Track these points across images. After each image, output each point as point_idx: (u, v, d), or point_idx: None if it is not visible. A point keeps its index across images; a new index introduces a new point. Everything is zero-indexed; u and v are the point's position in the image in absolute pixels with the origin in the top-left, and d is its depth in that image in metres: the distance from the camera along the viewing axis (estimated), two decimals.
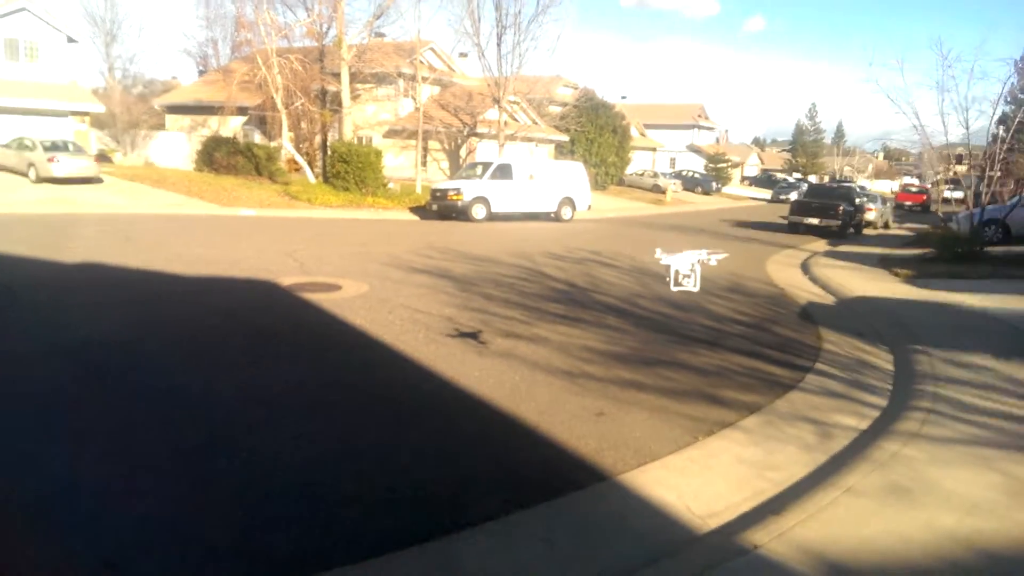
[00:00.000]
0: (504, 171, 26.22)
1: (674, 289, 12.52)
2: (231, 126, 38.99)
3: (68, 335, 7.63)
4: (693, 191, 56.78)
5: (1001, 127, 20.42)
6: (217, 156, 32.91)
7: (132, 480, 4.45)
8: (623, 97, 66.14)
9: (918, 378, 7.20)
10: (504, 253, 16.11)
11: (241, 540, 3.87)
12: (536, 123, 42.87)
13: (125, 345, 7.37)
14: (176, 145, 40.55)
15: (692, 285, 12.61)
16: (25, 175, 25.63)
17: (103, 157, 34.50)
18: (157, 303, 9.53)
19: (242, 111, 37.17)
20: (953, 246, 17.50)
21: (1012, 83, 23.26)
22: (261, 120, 37.99)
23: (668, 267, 12.96)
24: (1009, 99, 25.25)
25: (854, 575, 3.60)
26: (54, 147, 25.91)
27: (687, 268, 12.83)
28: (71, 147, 26.94)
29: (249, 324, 8.67)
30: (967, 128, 18.37)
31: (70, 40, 33.05)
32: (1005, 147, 19.24)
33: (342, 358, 7.45)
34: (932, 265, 16.55)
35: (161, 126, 44.78)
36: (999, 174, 19.69)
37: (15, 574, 3.45)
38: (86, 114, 33.46)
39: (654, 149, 67.08)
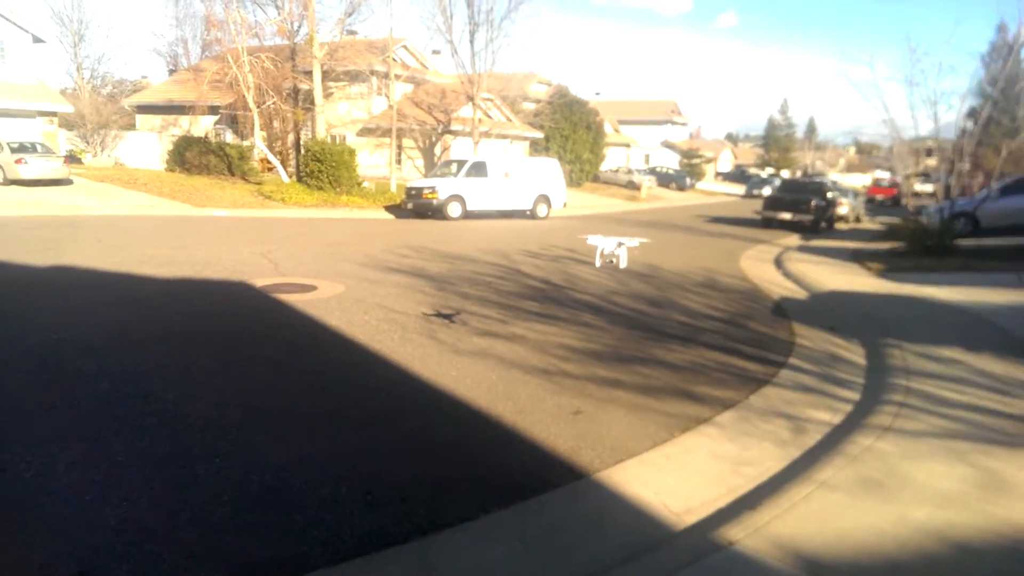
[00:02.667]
0: (479, 169, 26.22)
1: (598, 265, 14.57)
2: (203, 126, 38.63)
3: (37, 338, 7.51)
4: (667, 187, 57.16)
5: (970, 121, 20.69)
6: (189, 156, 32.60)
7: (104, 487, 4.38)
8: (597, 94, 66.43)
9: (890, 372, 7.29)
10: (480, 251, 16.10)
11: (217, 545, 3.83)
12: (510, 120, 42.89)
13: (95, 349, 7.27)
14: (147, 145, 40.07)
15: (620, 263, 14.68)
16: None
17: (73, 158, 34.01)
18: (128, 305, 9.41)
19: (213, 110, 36.84)
20: (924, 240, 17.71)
21: (979, 77, 23.64)
22: (233, 119, 37.68)
23: (595, 247, 14.97)
24: (977, 92, 25.66)
25: (828, 569, 3.64)
26: (22, 148, 25.52)
27: (612, 248, 14.89)
28: (39, 148, 26.55)
29: (222, 326, 8.59)
30: (936, 122, 18.63)
31: (36, 40, 32.49)
32: (974, 140, 19.51)
33: (317, 360, 7.40)
34: (903, 259, 16.76)
35: (131, 126, 44.22)
36: (968, 167, 19.95)
37: None
38: (54, 114, 32.98)
39: (628, 145, 67.38)
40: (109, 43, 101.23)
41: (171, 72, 50.32)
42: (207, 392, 6.17)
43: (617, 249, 14.80)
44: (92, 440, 5.05)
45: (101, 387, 6.17)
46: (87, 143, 40.80)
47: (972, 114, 21.69)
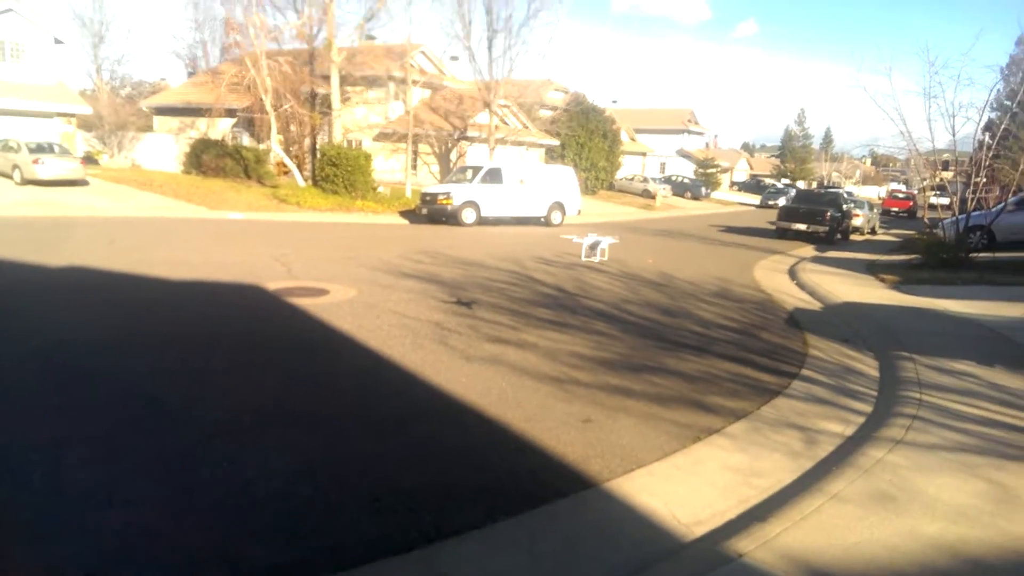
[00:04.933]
0: (494, 175, 26.20)
1: (584, 260, 16.45)
2: (220, 128, 38.80)
3: (47, 338, 7.54)
4: (683, 196, 56.91)
5: (987, 134, 20.52)
6: (205, 158, 32.78)
7: (111, 489, 4.39)
8: (614, 102, 66.45)
9: (903, 384, 7.23)
10: (493, 257, 16.09)
11: (222, 550, 3.82)
12: (527, 127, 42.88)
13: (105, 349, 7.30)
14: (164, 147, 40.33)
15: (600, 258, 16.83)
16: (10, 177, 25.47)
17: (89, 159, 34.26)
18: (139, 307, 9.45)
19: (231, 113, 36.99)
20: (939, 252, 17.59)
21: (998, 89, 23.44)
22: (250, 122, 37.82)
23: (580, 245, 17.14)
24: (995, 105, 25.39)
25: None
26: (39, 149, 25.72)
27: (592, 245, 17.05)
28: (57, 149, 26.75)
29: (233, 329, 8.61)
30: (954, 134, 18.48)
31: (57, 41, 32.84)
32: (991, 153, 19.35)
33: (327, 364, 7.41)
34: (918, 271, 16.65)
35: (149, 128, 44.54)
36: (985, 180, 19.75)
37: None
38: (73, 115, 33.27)
39: (644, 154, 67.22)
40: (129, 45, 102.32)
41: (190, 74, 50.61)
42: (216, 395, 6.19)
43: (599, 243, 17.13)
44: (99, 442, 5.07)
45: (110, 388, 6.19)
46: (105, 144, 41.13)
47: (990, 127, 21.52)
